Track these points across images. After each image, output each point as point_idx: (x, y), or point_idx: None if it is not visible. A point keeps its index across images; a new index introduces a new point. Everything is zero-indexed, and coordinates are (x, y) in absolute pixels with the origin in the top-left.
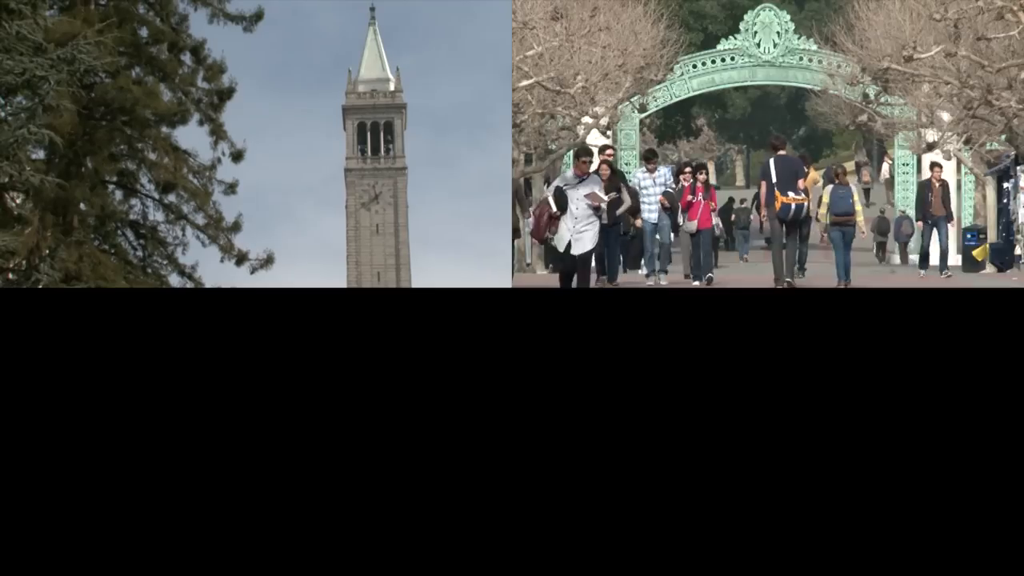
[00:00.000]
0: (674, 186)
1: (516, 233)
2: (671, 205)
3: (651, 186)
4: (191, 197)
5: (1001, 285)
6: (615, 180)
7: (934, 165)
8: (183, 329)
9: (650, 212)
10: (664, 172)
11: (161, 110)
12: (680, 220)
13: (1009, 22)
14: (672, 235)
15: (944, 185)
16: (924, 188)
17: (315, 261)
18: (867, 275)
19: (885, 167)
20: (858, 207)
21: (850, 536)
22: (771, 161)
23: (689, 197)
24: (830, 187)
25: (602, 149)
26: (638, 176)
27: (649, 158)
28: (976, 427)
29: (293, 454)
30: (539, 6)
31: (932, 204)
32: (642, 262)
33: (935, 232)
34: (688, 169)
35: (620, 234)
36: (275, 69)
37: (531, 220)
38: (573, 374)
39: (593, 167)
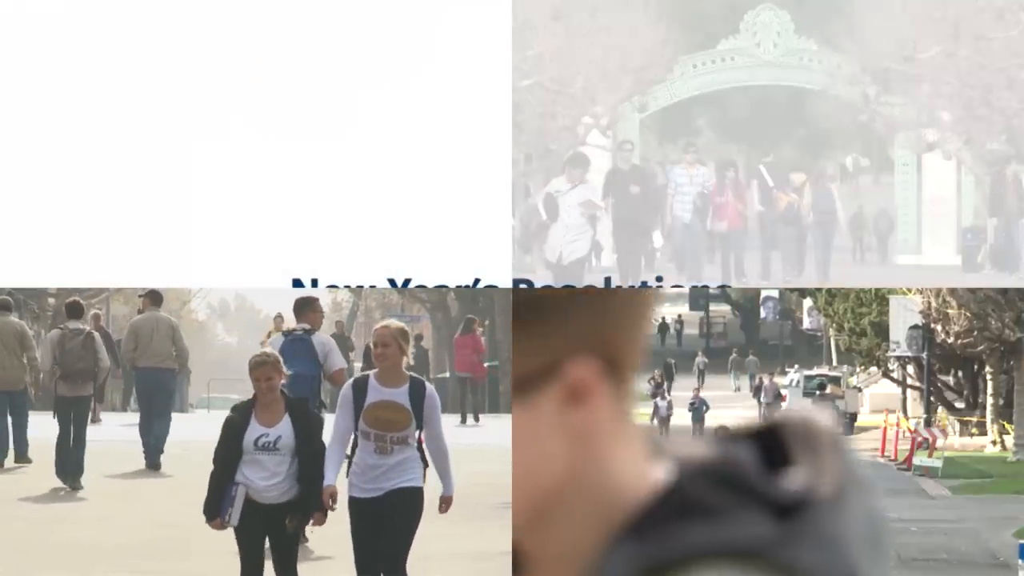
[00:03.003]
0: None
1: None
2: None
3: (687, 184)
4: None
5: (1001, 285)
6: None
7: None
8: None
9: (683, 212)
10: (703, 173)
11: None
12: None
13: (1009, 22)
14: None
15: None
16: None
17: None
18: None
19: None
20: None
21: None
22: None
23: (718, 198)
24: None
25: (620, 145)
26: (675, 172)
27: (687, 149)
28: None
29: None
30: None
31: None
32: None
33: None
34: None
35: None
36: None
37: None
38: None
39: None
